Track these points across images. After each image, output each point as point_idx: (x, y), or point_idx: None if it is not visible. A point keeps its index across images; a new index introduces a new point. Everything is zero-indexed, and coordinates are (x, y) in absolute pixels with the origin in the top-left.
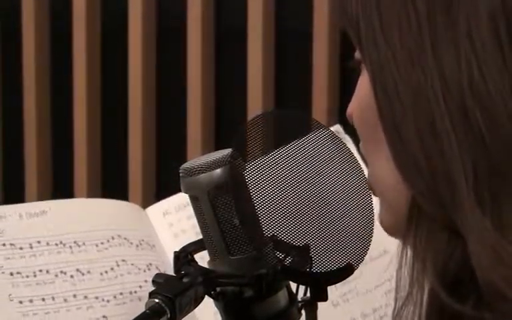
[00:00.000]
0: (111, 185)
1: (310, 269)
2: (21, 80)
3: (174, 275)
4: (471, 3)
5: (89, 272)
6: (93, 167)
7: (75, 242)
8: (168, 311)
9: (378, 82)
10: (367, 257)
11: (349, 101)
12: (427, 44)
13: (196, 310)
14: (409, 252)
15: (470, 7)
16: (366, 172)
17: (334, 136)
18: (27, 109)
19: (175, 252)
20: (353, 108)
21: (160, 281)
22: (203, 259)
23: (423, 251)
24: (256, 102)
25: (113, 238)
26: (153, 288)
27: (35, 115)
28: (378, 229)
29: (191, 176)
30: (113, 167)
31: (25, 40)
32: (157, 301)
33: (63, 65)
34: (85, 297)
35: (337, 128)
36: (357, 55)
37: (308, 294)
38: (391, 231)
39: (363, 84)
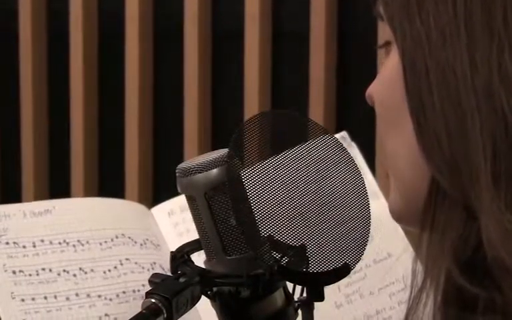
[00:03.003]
0: (108, 185)
1: (306, 269)
2: (18, 81)
3: (171, 274)
4: None
5: (92, 270)
6: (90, 167)
7: (78, 241)
8: (164, 311)
9: (407, 58)
10: (370, 260)
11: (346, 101)
12: (461, 25)
13: (200, 310)
14: (426, 237)
15: None
16: (367, 174)
17: (331, 139)
18: (24, 109)
19: (172, 252)
20: (374, 88)
21: (156, 280)
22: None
23: (441, 232)
24: (253, 102)
25: (116, 237)
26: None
27: (31, 115)
28: (382, 232)
29: (187, 176)
30: (109, 167)
31: (22, 41)
32: (153, 300)
33: (60, 66)
34: (88, 296)
35: (343, 134)
36: (387, 35)
37: (304, 294)
38: (401, 216)
39: (389, 66)
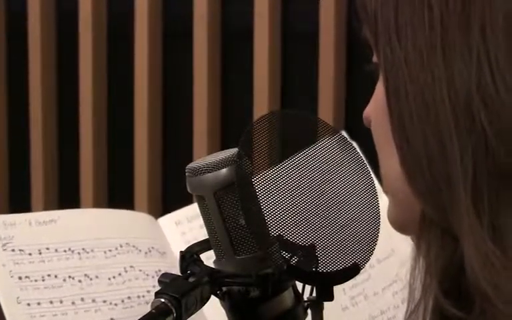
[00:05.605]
0: (117, 185)
1: (316, 269)
2: (27, 82)
3: (180, 274)
4: (487, 4)
5: (96, 277)
6: (99, 168)
7: (83, 249)
8: (174, 311)
9: (390, 82)
10: (374, 260)
11: (354, 100)
12: (437, 44)
13: (205, 310)
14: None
15: (485, 7)
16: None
17: (342, 139)
18: (33, 113)
19: (181, 251)
20: (369, 111)
21: (166, 280)
22: (209, 258)
23: (430, 255)
24: (262, 102)
25: (121, 246)
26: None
27: (41, 118)
28: (384, 230)
29: (197, 175)
30: (119, 166)
31: (31, 42)
32: (162, 300)
33: (69, 66)
34: (93, 301)
35: (342, 133)
36: (375, 58)
37: (314, 294)
38: (397, 226)
39: (381, 87)
